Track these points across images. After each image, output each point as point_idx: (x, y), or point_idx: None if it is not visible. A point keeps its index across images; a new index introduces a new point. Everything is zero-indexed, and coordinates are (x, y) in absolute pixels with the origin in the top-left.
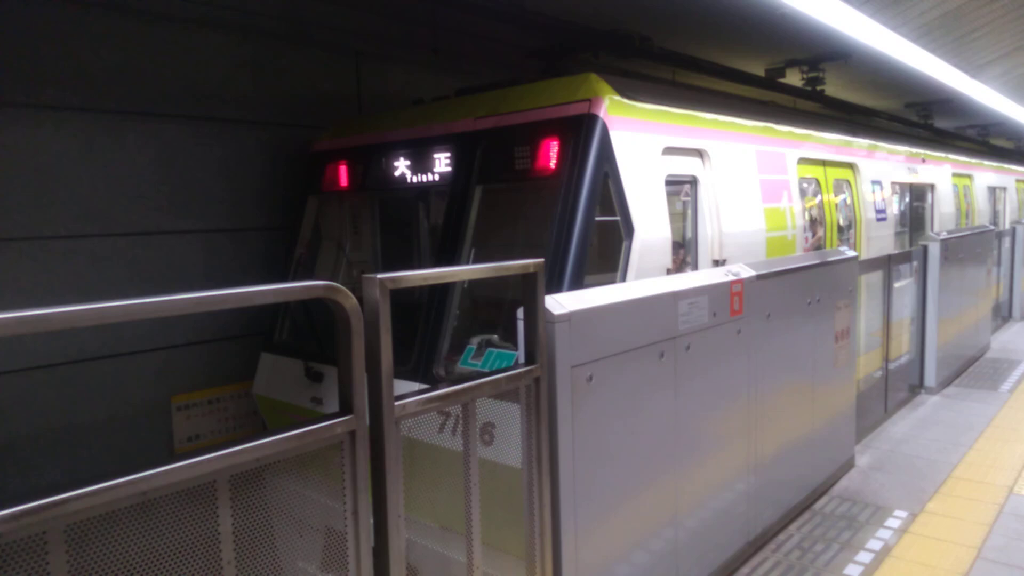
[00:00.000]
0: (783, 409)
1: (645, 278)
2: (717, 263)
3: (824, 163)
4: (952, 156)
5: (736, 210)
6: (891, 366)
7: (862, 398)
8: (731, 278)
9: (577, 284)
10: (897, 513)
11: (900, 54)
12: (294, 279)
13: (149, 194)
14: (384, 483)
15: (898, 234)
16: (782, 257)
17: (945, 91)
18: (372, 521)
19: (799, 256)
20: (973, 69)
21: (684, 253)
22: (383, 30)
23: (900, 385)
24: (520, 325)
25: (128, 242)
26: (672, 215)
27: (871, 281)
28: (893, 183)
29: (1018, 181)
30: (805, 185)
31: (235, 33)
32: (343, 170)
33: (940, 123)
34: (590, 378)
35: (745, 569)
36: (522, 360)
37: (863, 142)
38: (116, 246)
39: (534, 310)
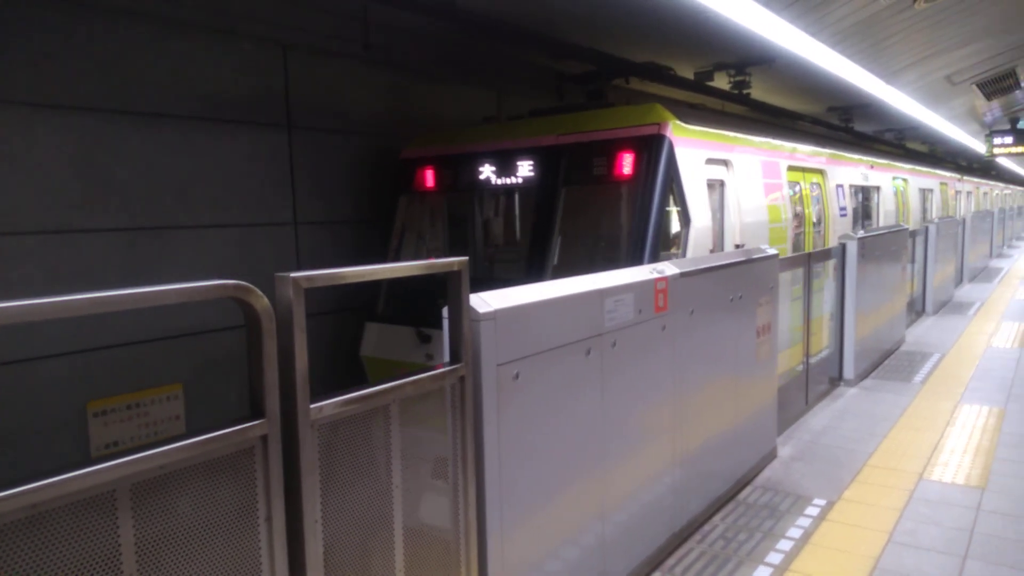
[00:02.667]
0: (708, 403)
1: (699, 255)
2: (737, 246)
3: (803, 170)
4: (893, 163)
5: (749, 206)
6: (812, 360)
7: (784, 391)
8: (656, 275)
9: (655, 259)
10: (816, 501)
11: (820, 59)
12: (382, 297)
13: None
14: (300, 488)
15: (854, 227)
16: (706, 256)
17: (863, 96)
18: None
19: (722, 254)
20: (888, 75)
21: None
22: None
23: (820, 378)
24: (445, 324)
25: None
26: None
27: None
28: (851, 185)
29: (941, 184)
30: (791, 187)
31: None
32: (430, 174)
33: (860, 127)
34: (516, 376)
35: (671, 560)
36: (447, 359)
37: (829, 152)
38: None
39: (459, 308)
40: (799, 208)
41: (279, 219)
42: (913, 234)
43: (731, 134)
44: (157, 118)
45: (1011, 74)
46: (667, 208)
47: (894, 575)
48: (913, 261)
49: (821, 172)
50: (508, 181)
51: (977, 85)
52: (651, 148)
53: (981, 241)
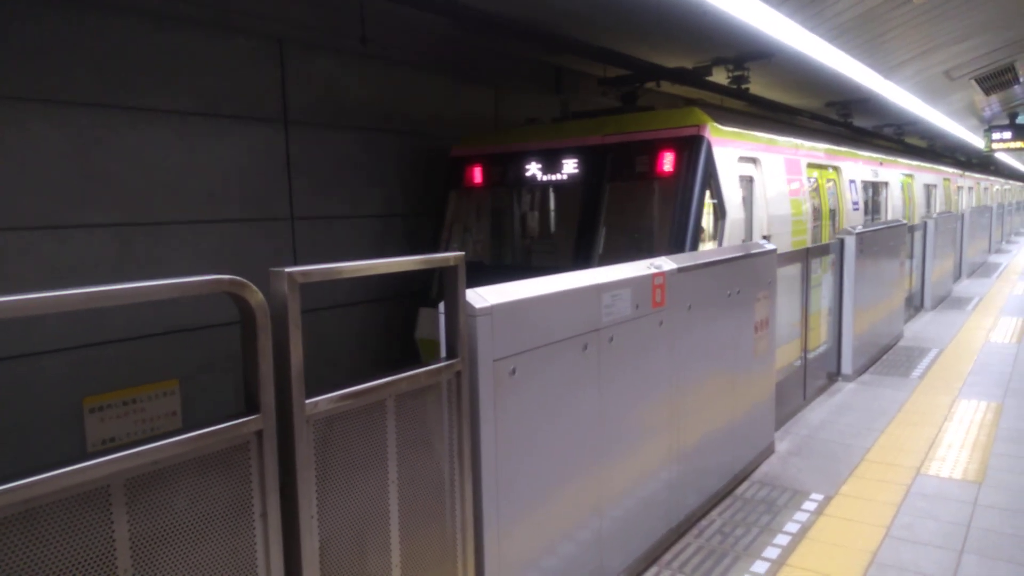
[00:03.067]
0: (705, 398)
1: (733, 244)
2: (766, 238)
3: (820, 167)
4: (900, 160)
5: (775, 200)
6: (810, 355)
7: (782, 386)
8: (653, 271)
9: (694, 247)
10: (814, 496)
11: (818, 54)
12: (436, 281)
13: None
14: (295, 483)
15: (865, 220)
16: (703, 251)
17: (862, 91)
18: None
19: (719, 249)
20: (886, 70)
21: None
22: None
23: (819, 373)
24: (441, 319)
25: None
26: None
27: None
28: (863, 181)
29: (944, 179)
30: (809, 183)
31: None
32: (479, 171)
33: (859, 121)
34: (513, 371)
35: (668, 555)
36: (443, 354)
37: (843, 150)
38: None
39: (455, 304)
40: (816, 202)
41: (276, 215)
42: (911, 229)
43: (759, 134)
44: (151, 113)
45: (1010, 69)
46: (705, 202)
47: (891, 569)
48: (912, 256)
49: (837, 169)
50: (555, 177)
51: (976, 80)
52: (691, 148)
53: (980, 236)
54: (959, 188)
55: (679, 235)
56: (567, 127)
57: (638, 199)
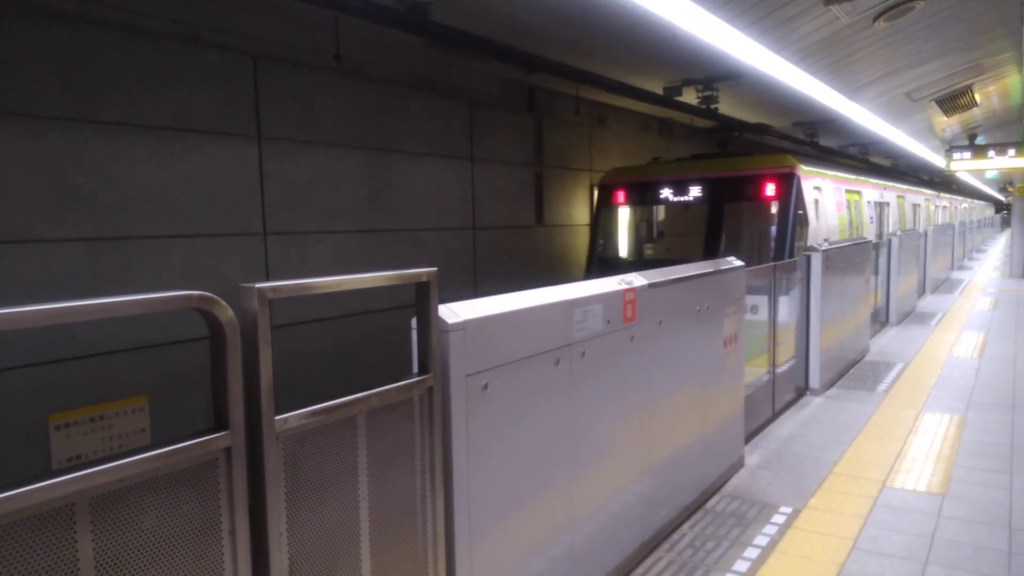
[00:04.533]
0: (676, 412)
1: (810, 244)
2: (825, 240)
3: (851, 192)
4: (896, 184)
5: (830, 215)
6: (778, 370)
7: (751, 400)
8: (624, 287)
9: (792, 249)
10: (783, 509)
11: (785, 75)
12: (595, 263)
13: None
14: (264, 501)
15: (875, 230)
16: (674, 267)
17: (827, 111)
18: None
19: (690, 266)
20: (850, 91)
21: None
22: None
23: (787, 387)
24: (413, 334)
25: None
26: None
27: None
28: (873, 202)
29: (926, 199)
30: (845, 203)
31: None
32: (622, 194)
33: (825, 141)
34: (485, 386)
35: (640, 569)
36: (415, 370)
37: (863, 179)
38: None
39: (427, 319)
40: (849, 216)
41: (248, 229)
42: (876, 246)
43: (821, 170)
44: (122, 127)
45: (968, 91)
46: (793, 216)
47: None
48: (877, 273)
49: (859, 193)
50: (684, 199)
51: (936, 102)
52: (788, 180)
53: (943, 254)
54: (936, 207)
55: (781, 237)
56: (697, 165)
57: (748, 215)
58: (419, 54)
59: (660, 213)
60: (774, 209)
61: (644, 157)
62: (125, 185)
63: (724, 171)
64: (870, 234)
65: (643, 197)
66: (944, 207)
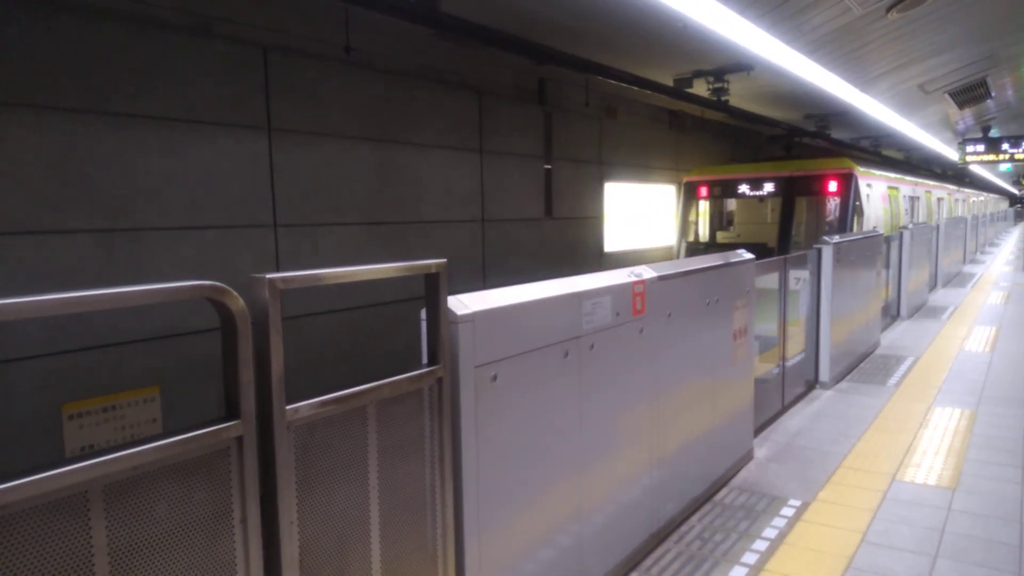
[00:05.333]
0: (685, 404)
1: (864, 231)
2: (874, 228)
3: (891, 188)
4: (924, 181)
5: (877, 207)
6: (788, 363)
7: (760, 393)
8: (634, 279)
9: (851, 230)
10: (792, 502)
11: (796, 67)
12: (683, 247)
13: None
14: (275, 489)
15: (909, 221)
16: (683, 260)
17: (839, 104)
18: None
19: (699, 259)
20: (863, 83)
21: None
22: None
23: (797, 381)
24: (423, 326)
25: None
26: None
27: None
28: (908, 196)
29: (948, 194)
30: (888, 198)
31: None
32: (705, 190)
33: (837, 134)
34: (494, 378)
35: (648, 561)
36: (425, 361)
37: (899, 176)
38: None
39: (437, 310)
40: (890, 208)
41: (258, 221)
42: (888, 239)
43: (871, 170)
44: (132, 119)
45: (982, 83)
46: (852, 207)
47: (867, 574)
48: (888, 266)
49: (897, 189)
50: (759, 193)
51: (949, 94)
52: (848, 179)
53: (955, 247)
54: (957, 200)
55: (842, 225)
56: (769, 166)
57: (815, 207)
58: (428, 45)
59: (736, 206)
60: (836, 202)
61: (656, 150)
62: (135, 177)
63: (795, 171)
64: (904, 223)
65: (723, 192)
66: (962, 200)
